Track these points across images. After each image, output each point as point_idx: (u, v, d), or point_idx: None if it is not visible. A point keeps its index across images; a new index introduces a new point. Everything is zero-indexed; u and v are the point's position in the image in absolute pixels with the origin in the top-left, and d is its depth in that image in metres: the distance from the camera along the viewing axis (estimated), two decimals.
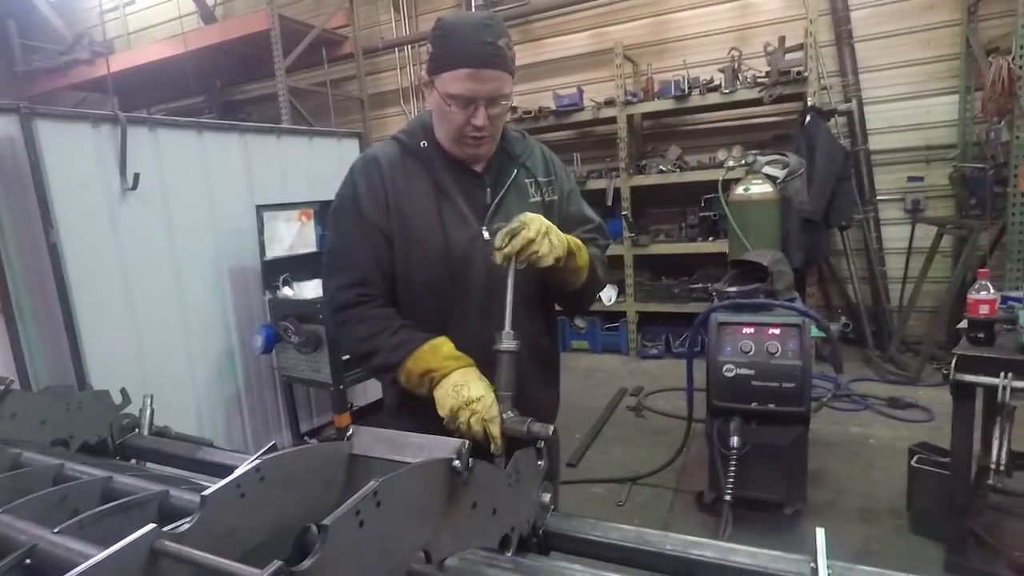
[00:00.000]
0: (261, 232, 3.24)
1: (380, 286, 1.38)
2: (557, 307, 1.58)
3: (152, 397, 1.52)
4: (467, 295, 1.38)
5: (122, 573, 0.53)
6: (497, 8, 6.35)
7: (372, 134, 7.05)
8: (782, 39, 4.72)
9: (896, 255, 5.08)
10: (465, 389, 1.21)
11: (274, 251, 3.32)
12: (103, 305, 2.84)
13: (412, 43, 6.97)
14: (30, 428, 1.24)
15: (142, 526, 0.56)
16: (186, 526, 0.61)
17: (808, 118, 4.60)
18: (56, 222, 2.63)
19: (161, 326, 3.09)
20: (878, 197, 5.08)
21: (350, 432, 0.99)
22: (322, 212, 3.53)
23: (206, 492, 0.65)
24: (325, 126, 5.97)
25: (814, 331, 2.67)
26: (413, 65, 7.10)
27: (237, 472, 0.70)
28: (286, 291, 3.28)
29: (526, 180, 1.44)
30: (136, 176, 2.89)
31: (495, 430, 1.17)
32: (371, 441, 0.94)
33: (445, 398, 1.22)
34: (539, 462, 1.04)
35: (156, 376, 3.06)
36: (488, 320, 1.31)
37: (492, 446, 1.18)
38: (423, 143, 1.38)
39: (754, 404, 2.54)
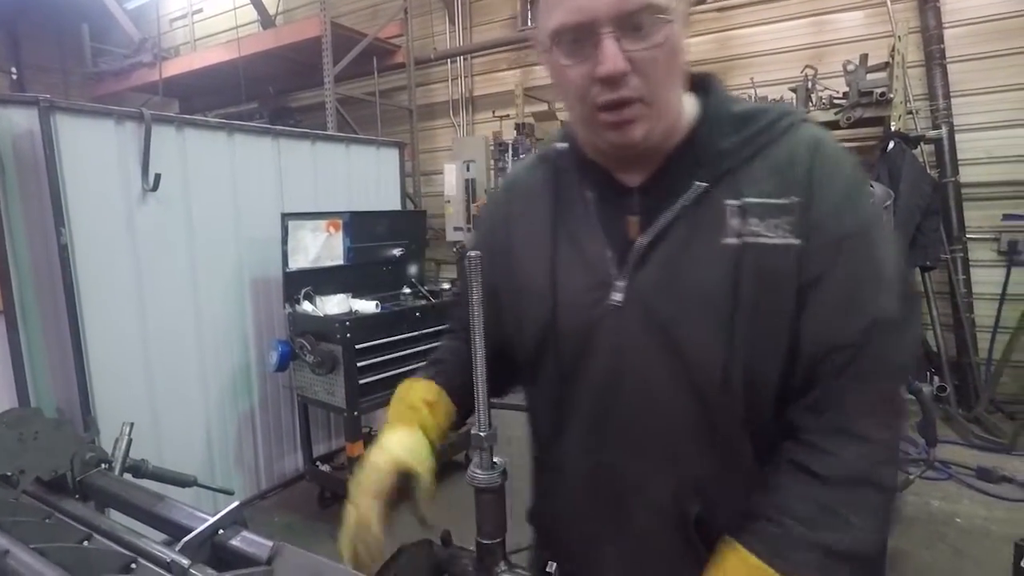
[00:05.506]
0: (285, 241, 3.05)
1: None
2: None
3: (131, 426, 1.31)
4: (576, 389, 0.83)
5: None
6: None
7: (419, 145, 6.92)
8: (864, 57, 4.28)
9: (986, 301, 4.52)
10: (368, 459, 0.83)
11: (297, 262, 3.13)
12: (112, 311, 2.68)
13: (465, 54, 6.82)
14: None
15: None
16: None
17: (891, 144, 4.13)
18: (69, 222, 2.49)
19: (174, 335, 2.93)
20: (968, 236, 4.52)
21: (272, 551, 0.71)
22: (352, 223, 3.32)
23: None
24: (371, 135, 5.85)
25: None
26: (465, 77, 6.94)
27: None
28: (306, 306, 3.07)
29: (725, 202, 0.74)
30: (157, 177, 2.75)
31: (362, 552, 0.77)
32: (297, 571, 0.66)
33: None
34: None
35: (165, 388, 2.90)
36: (602, 436, 0.81)
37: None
38: (558, 145, 0.88)
39: None
